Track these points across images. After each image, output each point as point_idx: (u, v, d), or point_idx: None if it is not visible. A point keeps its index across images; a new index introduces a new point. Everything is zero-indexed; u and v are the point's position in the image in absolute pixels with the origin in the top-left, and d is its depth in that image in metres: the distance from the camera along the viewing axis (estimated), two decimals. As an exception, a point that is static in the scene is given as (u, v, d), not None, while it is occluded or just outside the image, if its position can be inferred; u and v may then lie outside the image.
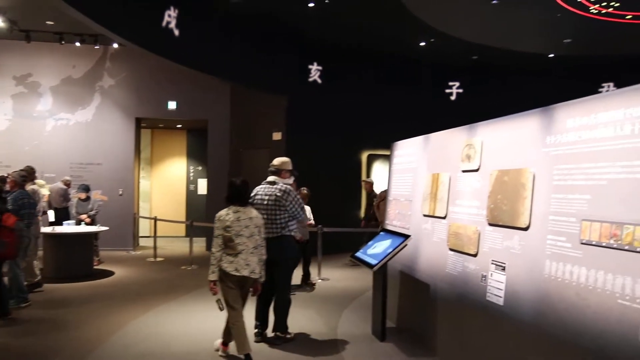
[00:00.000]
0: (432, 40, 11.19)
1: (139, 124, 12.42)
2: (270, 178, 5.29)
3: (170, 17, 8.49)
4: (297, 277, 6.70)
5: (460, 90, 13.51)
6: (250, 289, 4.61)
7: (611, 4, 8.97)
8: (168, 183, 14.70)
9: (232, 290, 4.44)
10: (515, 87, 13.07)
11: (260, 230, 4.58)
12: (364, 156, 12.88)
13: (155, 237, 11.03)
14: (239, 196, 4.54)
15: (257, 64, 10.76)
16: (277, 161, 5.35)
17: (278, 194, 5.12)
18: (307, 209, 7.14)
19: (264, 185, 5.28)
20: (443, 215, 4.83)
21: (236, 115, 12.37)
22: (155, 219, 11.22)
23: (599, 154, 2.87)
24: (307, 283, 8.16)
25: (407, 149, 6.07)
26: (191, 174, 14.84)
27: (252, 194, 5.16)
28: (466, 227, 4.32)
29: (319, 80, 11.91)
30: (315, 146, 11.45)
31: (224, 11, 9.76)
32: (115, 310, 6.36)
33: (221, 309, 4.47)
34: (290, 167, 5.41)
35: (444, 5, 9.20)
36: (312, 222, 8.07)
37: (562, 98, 3.35)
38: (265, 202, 5.12)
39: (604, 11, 9.30)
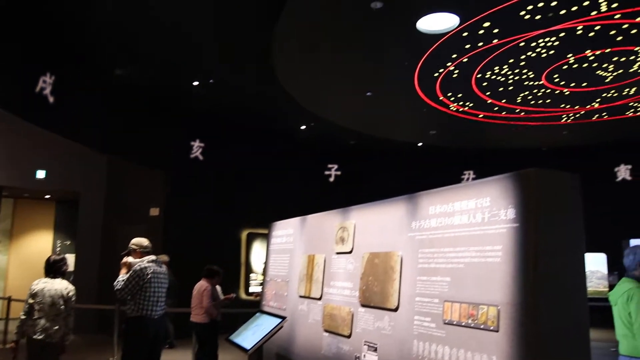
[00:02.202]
0: (312, 124, 11.73)
1: None
2: (152, 257, 5.07)
3: (46, 82, 8.09)
4: None
5: (339, 173, 14.11)
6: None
7: (466, 104, 10.11)
8: (30, 258, 13.35)
9: (35, 353, 4.64)
10: (388, 172, 13.92)
11: (67, 302, 4.84)
12: (244, 234, 12.79)
13: (7, 319, 9.84)
14: (50, 269, 4.93)
15: (138, 137, 10.49)
16: (146, 242, 5.20)
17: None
18: (218, 288, 6.79)
19: (153, 264, 5.03)
20: (318, 297, 4.87)
21: (112, 189, 11.82)
22: (9, 299, 10.06)
23: (456, 240, 3.12)
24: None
25: (285, 230, 6.15)
26: (58, 249, 13.69)
27: (146, 272, 4.88)
28: (340, 308, 4.39)
29: (201, 157, 11.84)
30: (195, 223, 11.19)
31: (106, 81, 9.53)
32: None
33: None
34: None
35: (323, 93, 9.79)
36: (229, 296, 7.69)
37: (430, 183, 3.64)
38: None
39: (461, 109, 10.43)
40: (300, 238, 5.63)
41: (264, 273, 6.69)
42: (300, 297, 5.26)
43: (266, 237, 6.88)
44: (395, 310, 3.60)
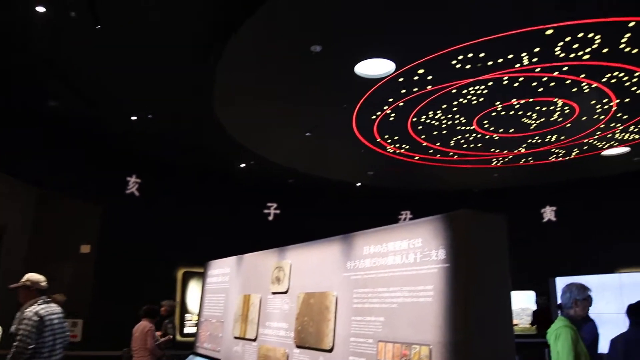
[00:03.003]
0: (251, 162, 11.73)
1: None
2: (44, 298, 4.78)
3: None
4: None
5: (278, 212, 14.09)
6: None
7: (403, 146, 10.43)
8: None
9: None
10: (327, 211, 14.04)
11: None
12: (180, 273, 12.44)
13: None
14: None
15: (72, 170, 10.12)
16: (43, 280, 4.82)
17: None
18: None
19: (52, 306, 4.76)
20: (253, 338, 4.77)
21: (40, 223, 11.26)
22: None
23: (390, 280, 3.17)
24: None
25: (221, 269, 6.04)
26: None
27: (46, 318, 4.60)
28: (275, 349, 4.32)
29: (137, 193, 11.55)
30: (128, 261, 10.80)
31: (41, 113, 9.21)
32: None
33: None
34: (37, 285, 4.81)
35: (262, 132, 9.85)
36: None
37: (368, 223, 3.70)
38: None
39: (397, 151, 10.75)
40: (236, 277, 5.55)
41: (199, 313, 6.51)
42: (235, 338, 5.14)
43: (202, 276, 6.74)
44: (330, 351, 3.58)
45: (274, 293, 4.58)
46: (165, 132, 10.11)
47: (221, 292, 5.85)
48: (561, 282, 9.71)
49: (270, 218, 14.02)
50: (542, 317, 10.98)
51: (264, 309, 4.72)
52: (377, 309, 3.22)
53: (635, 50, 6.68)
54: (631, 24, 6.07)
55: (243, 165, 12.01)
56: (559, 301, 4.14)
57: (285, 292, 4.37)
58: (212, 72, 7.33)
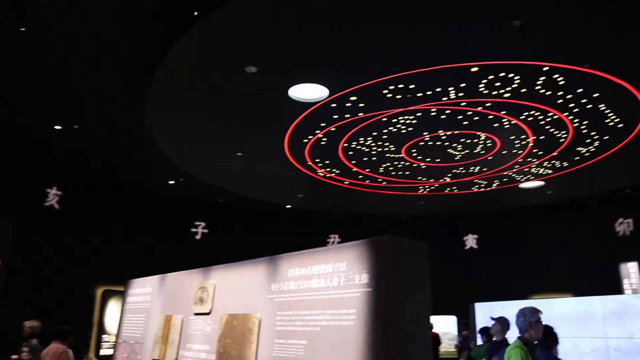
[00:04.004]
0: (181, 179, 11.49)
1: None
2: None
3: None
4: None
5: (206, 231, 13.85)
6: None
7: (333, 170, 10.60)
8: None
9: None
10: (256, 233, 13.97)
11: None
12: (99, 292, 11.89)
13: None
14: None
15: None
16: None
17: None
18: None
19: None
20: (173, 360, 4.65)
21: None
22: None
23: (314, 303, 3.20)
24: None
25: (142, 288, 5.86)
26: None
27: None
28: (195, 372, 4.22)
29: (57, 206, 10.99)
30: (44, 278, 10.23)
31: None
32: None
33: None
34: None
35: (193, 150, 9.68)
36: None
37: (297, 246, 3.72)
38: None
39: (328, 175, 10.90)
40: (158, 297, 5.40)
41: (117, 334, 6.25)
42: (154, 360, 4.99)
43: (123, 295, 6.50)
44: (252, 374, 3.55)
45: (196, 314, 4.49)
46: (91, 143, 9.73)
47: (142, 312, 5.66)
48: (480, 308, 10.11)
49: (198, 237, 13.75)
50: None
51: (185, 330, 4.62)
52: (300, 332, 3.23)
53: (549, 93, 7.18)
54: (545, 68, 6.54)
55: (172, 182, 11.74)
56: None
57: (208, 314, 4.30)
58: (143, 86, 7.18)
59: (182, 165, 10.42)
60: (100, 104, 8.12)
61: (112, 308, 11.90)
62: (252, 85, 7.02)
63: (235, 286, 4.10)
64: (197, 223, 13.77)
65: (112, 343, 11.23)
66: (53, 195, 10.97)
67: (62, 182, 11.10)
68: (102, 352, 11.45)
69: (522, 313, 4.20)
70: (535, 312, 4.22)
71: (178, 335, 4.68)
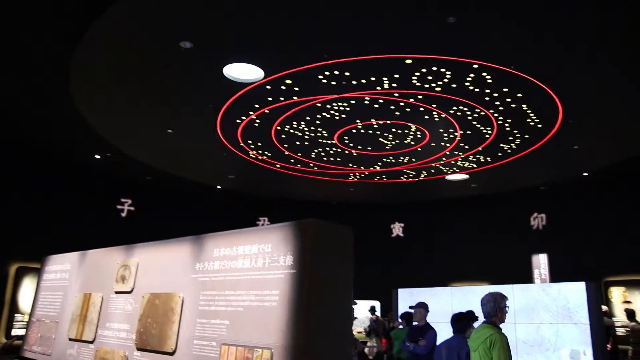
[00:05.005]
0: (107, 154, 11.04)
1: None
2: None
3: None
4: None
5: (132, 209, 13.44)
6: None
7: (265, 152, 10.57)
8: None
9: None
10: (185, 212, 13.71)
11: None
12: (13, 269, 11.29)
13: None
14: None
15: None
16: None
17: None
18: None
19: None
20: (91, 340, 4.51)
21: None
22: None
23: (238, 283, 3.21)
24: None
25: (60, 265, 5.62)
26: None
27: None
28: (114, 352, 4.13)
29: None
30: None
31: None
32: None
33: None
34: None
35: (122, 124, 9.32)
36: None
37: (226, 227, 3.68)
38: None
39: (260, 157, 10.85)
40: (77, 275, 5.21)
41: (31, 313, 5.99)
42: (71, 340, 4.82)
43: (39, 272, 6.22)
44: (172, 354, 3.51)
45: (117, 292, 4.38)
46: (12, 109, 9.12)
47: (59, 289, 5.44)
48: (403, 293, 10.44)
49: (124, 215, 13.33)
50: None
51: (105, 309, 4.49)
52: (223, 312, 3.23)
53: (477, 90, 7.48)
54: (475, 66, 6.80)
55: (98, 156, 11.25)
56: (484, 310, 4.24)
57: (130, 292, 4.21)
58: (74, 54, 6.77)
59: (109, 139, 10.01)
60: (24, 70, 7.59)
61: (27, 286, 11.34)
62: (186, 61, 6.85)
63: (158, 265, 4.03)
64: (123, 200, 13.33)
65: (26, 323, 10.75)
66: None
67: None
68: (14, 332, 10.92)
69: (493, 298, 4.26)
70: (503, 298, 4.31)
71: (97, 314, 4.55)
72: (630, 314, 9.56)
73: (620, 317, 11.57)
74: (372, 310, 11.95)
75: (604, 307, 10.35)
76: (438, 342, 5.55)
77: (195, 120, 9.00)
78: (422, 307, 6.91)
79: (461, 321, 5.40)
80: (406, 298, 9.89)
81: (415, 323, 7.06)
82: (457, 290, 10.25)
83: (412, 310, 7.21)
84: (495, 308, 4.22)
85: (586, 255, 12.41)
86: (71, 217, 11.85)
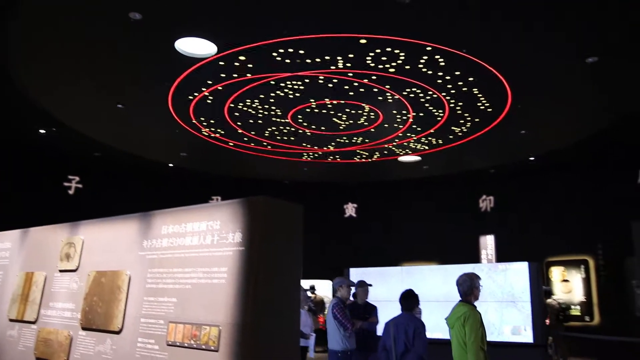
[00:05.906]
0: (53, 129, 10.60)
1: None
2: None
3: None
4: None
5: (80, 186, 13.03)
6: None
7: (218, 130, 10.42)
8: None
9: None
10: (135, 190, 13.40)
11: None
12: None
13: None
14: None
15: None
16: None
17: None
18: None
19: None
20: (33, 320, 4.39)
21: None
22: None
23: (186, 260, 3.18)
24: None
25: (0, 243, 5.42)
26: None
27: None
28: (58, 332, 4.03)
29: None
30: None
31: None
32: None
33: None
34: None
35: (68, 97, 8.94)
36: None
37: (177, 205, 3.58)
38: None
39: (212, 135, 10.69)
40: (18, 253, 5.03)
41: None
42: (11, 320, 4.67)
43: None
44: (119, 332, 3.46)
45: (61, 271, 4.26)
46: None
47: (-1, 268, 5.25)
48: (355, 273, 10.58)
49: (71, 192, 12.90)
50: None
51: (48, 288, 4.37)
52: (171, 290, 3.20)
53: (430, 72, 7.57)
54: (428, 48, 6.88)
55: (43, 131, 10.78)
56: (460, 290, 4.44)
57: (75, 270, 4.10)
58: (11, 22, 6.44)
59: (55, 113, 9.59)
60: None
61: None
62: (136, 34, 6.63)
63: (105, 242, 3.94)
64: (70, 177, 12.89)
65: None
66: None
67: None
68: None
69: (469, 277, 4.49)
70: (477, 277, 4.55)
71: (40, 293, 4.42)
72: (547, 292, 11.19)
73: (559, 295, 12.36)
74: (312, 289, 12.19)
75: (546, 287, 11.24)
76: (386, 320, 5.67)
77: (146, 96, 8.76)
78: (364, 285, 7.02)
79: (409, 299, 5.53)
80: (358, 277, 10.04)
81: (352, 300, 7.08)
82: (407, 269, 10.53)
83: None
84: (471, 287, 4.45)
85: (529, 237, 12.92)
86: (15, 195, 11.39)
